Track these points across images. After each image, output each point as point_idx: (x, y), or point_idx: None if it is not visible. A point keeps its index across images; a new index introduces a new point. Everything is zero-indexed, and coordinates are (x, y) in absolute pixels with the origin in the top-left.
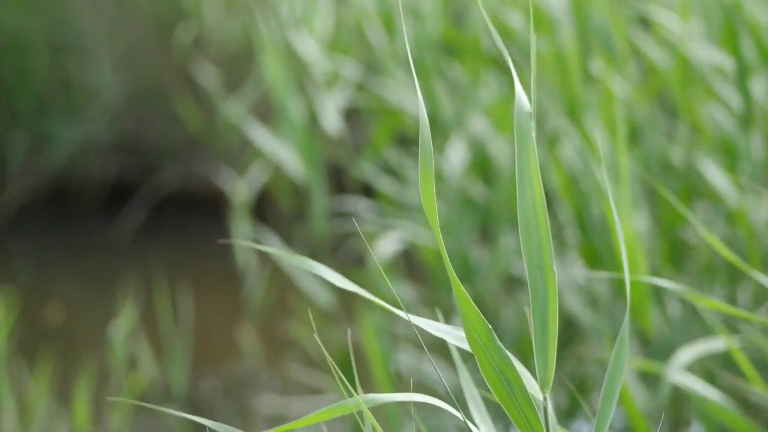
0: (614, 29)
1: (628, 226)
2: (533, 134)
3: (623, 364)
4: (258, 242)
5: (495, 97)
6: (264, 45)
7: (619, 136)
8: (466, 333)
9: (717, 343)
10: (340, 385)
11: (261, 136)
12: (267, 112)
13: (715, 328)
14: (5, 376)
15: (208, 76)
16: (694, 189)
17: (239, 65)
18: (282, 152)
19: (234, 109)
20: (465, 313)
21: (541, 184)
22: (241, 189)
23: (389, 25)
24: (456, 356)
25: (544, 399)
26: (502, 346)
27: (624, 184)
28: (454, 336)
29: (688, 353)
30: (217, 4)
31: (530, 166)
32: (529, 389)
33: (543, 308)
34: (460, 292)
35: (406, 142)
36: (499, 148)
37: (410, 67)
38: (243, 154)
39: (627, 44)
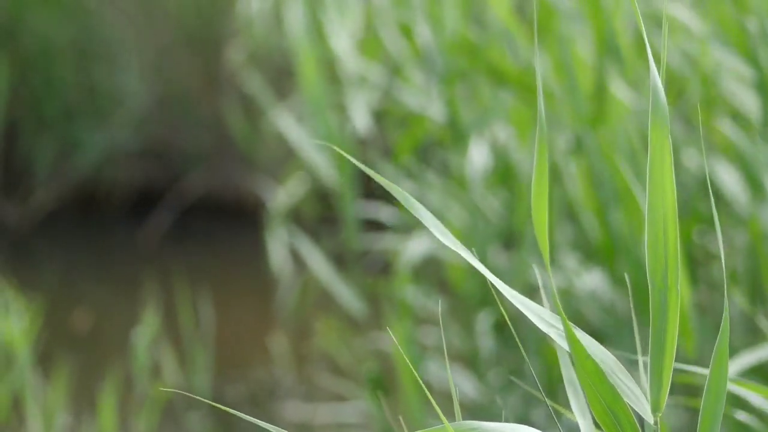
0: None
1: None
2: (669, 137)
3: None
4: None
5: (516, 104)
6: (299, 44)
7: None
8: (576, 373)
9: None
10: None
11: (300, 142)
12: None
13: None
14: (30, 382)
15: (256, 85)
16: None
17: (287, 80)
18: (317, 158)
19: (275, 113)
20: (576, 354)
21: (675, 198)
22: (280, 197)
23: (408, 29)
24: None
25: (655, 423)
26: (613, 384)
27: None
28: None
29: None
30: (268, 21)
31: (664, 177)
32: (640, 412)
33: (662, 331)
34: (570, 332)
35: (431, 147)
36: (520, 157)
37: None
38: (281, 162)
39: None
